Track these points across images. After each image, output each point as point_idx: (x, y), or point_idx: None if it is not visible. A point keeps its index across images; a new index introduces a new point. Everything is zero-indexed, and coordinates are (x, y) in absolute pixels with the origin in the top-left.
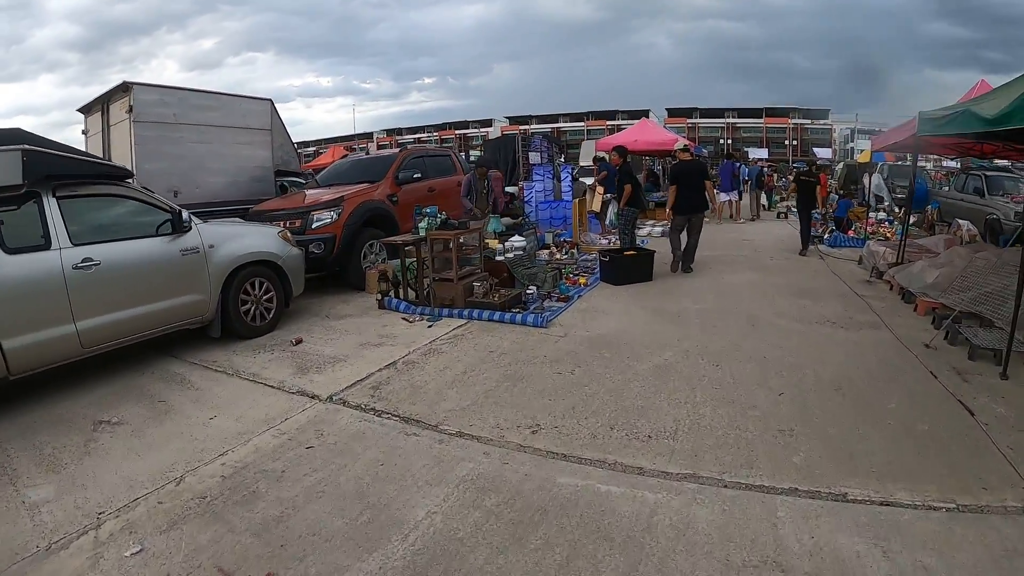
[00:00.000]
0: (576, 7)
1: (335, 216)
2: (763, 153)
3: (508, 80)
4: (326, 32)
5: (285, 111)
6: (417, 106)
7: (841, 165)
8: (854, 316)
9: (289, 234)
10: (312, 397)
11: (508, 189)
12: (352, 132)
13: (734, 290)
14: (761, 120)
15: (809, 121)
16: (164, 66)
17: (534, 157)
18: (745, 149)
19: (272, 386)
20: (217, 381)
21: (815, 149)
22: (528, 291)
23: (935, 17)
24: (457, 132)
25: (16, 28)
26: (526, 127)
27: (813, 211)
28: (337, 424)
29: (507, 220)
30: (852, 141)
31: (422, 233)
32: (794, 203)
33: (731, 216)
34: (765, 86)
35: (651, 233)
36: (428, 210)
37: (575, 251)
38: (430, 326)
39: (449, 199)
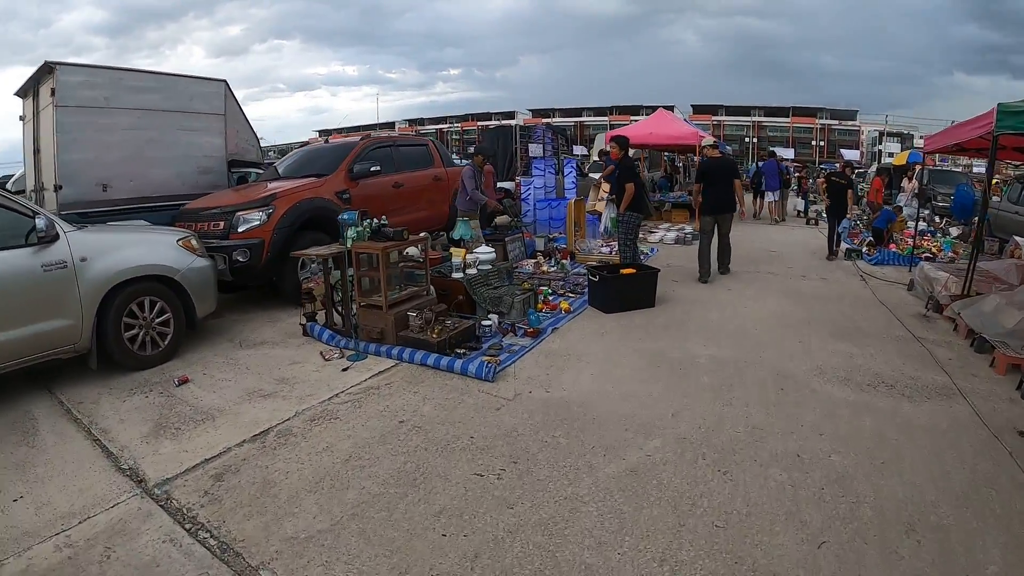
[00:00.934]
0: (605, 1)
1: (264, 218)
2: (789, 153)
3: (534, 73)
4: (353, 21)
5: (310, 99)
6: (442, 97)
7: (874, 168)
8: (917, 375)
9: (195, 241)
10: (138, 482)
11: (503, 185)
12: (375, 121)
13: (758, 325)
14: (788, 119)
15: (836, 122)
16: (191, 52)
17: (535, 149)
18: (771, 149)
19: (109, 454)
20: (63, 435)
21: (842, 151)
22: (484, 323)
23: (967, 19)
24: (479, 123)
25: (44, 11)
26: (548, 120)
27: (844, 217)
28: (132, 545)
29: (503, 219)
30: (880, 143)
31: (348, 244)
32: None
33: (772, 218)
34: (792, 86)
35: (663, 240)
36: (347, 216)
37: (567, 262)
38: (345, 369)
39: (423, 197)
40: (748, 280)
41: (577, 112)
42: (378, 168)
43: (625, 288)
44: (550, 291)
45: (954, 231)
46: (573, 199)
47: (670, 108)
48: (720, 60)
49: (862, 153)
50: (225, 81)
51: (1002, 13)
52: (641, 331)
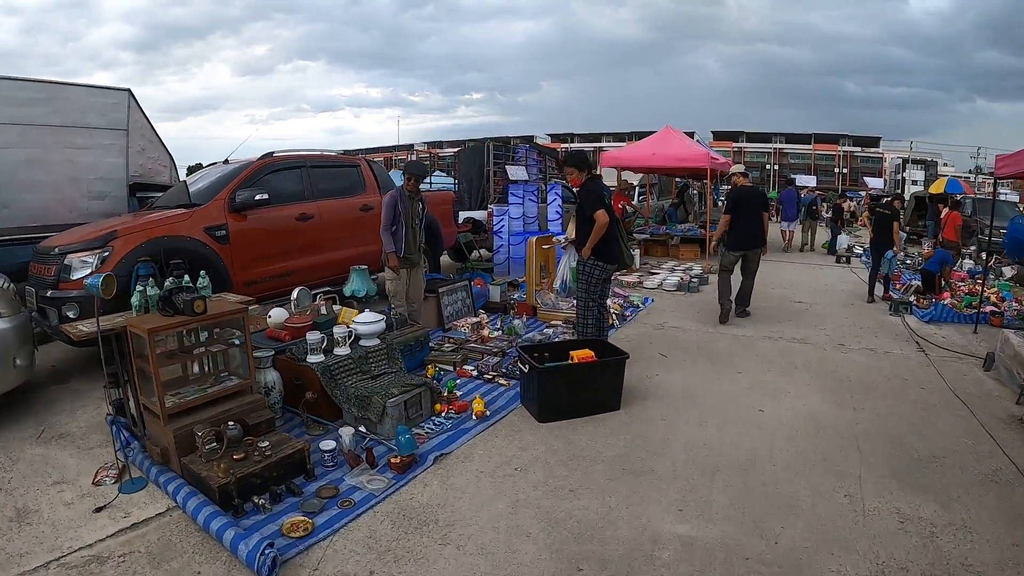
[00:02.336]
0: (627, 27)
1: (98, 262)
2: (811, 181)
3: (556, 97)
4: (377, 43)
5: (334, 120)
6: (465, 120)
7: (909, 196)
8: None
9: None
10: None
11: (473, 215)
12: (396, 143)
13: (777, 452)
14: (809, 146)
15: (859, 149)
16: (216, 70)
17: (514, 172)
18: (791, 176)
19: None
20: None
21: (866, 178)
22: (324, 445)
23: (988, 45)
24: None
25: (74, 25)
26: (567, 145)
27: (887, 252)
28: None
29: (481, 256)
30: (904, 171)
31: (135, 312)
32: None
33: (786, 246)
34: (815, 112)
35: (662, 285)
36: (90, 281)
37: (521, 322)
38: (100, 508)
39: (345, 232)
40: (768, 353)
41: (596, 137)
42: (265, 196)
43: (573, 384)
44: (456, 381)
45: (1007, 271)
46: (535, 237)
47: (690, 134)
48: (741, 86)
49: (885, 181)
50: (128, 90)
51: (1023, 38)
52: (582, 469)
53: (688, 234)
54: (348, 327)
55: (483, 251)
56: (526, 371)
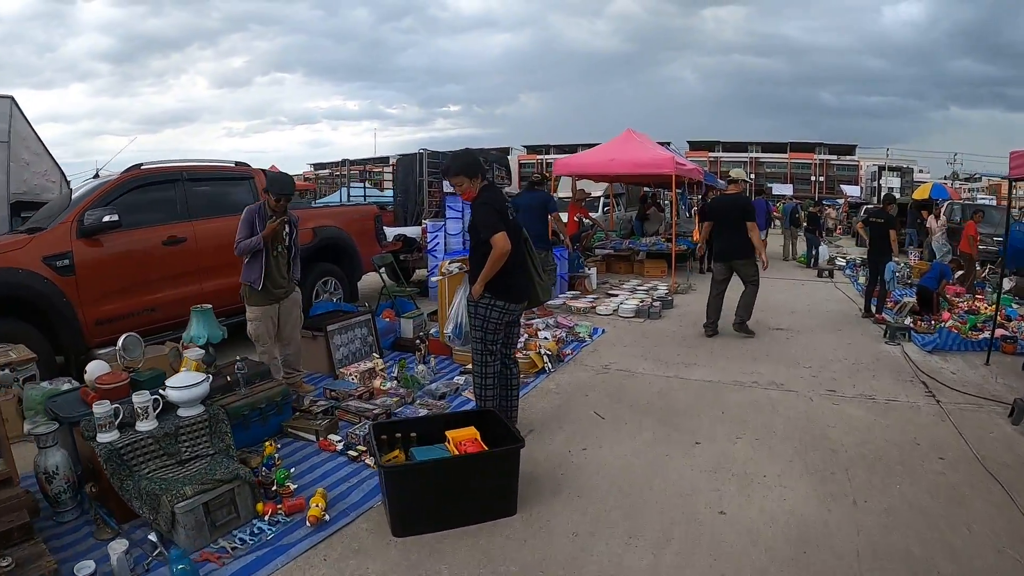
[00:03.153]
0: (604, 39)
1: None
2: (788, 189)
3: (534, 109)
4: (355, 55)
5: (312, 132)
6: (442, 133)
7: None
8: None
9: None
10: None
11: (404, 231)
12: (373, 155)
13: None
14: (785, 155)
15: (835, 157)
16: (194, 82)
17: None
18: (769, 185)
19: None
20: None
21: (843, 186)
22: (81, 567)
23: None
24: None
25: (50, 36)
26: (543, 157)
27: (887, 263)
28: None
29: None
30: (880, 178)
31: None
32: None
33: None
34: (791, 122)
35: (618, 311)
36: None
37: (427, 367)
38: None
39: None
40: (739, 408)
41: (572, 148)
42: (115, 218)
43: (442, 486)
44: (287, 473)
45: (1007, 283)
46: (445, 260)
47: (666, 144)
48: (717, 97)
49: (861, 188)
50: (11, 98)
51: (996, 46)
52: None
53: (654, 248)
54: (156, 393)
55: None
56: (387, 470)
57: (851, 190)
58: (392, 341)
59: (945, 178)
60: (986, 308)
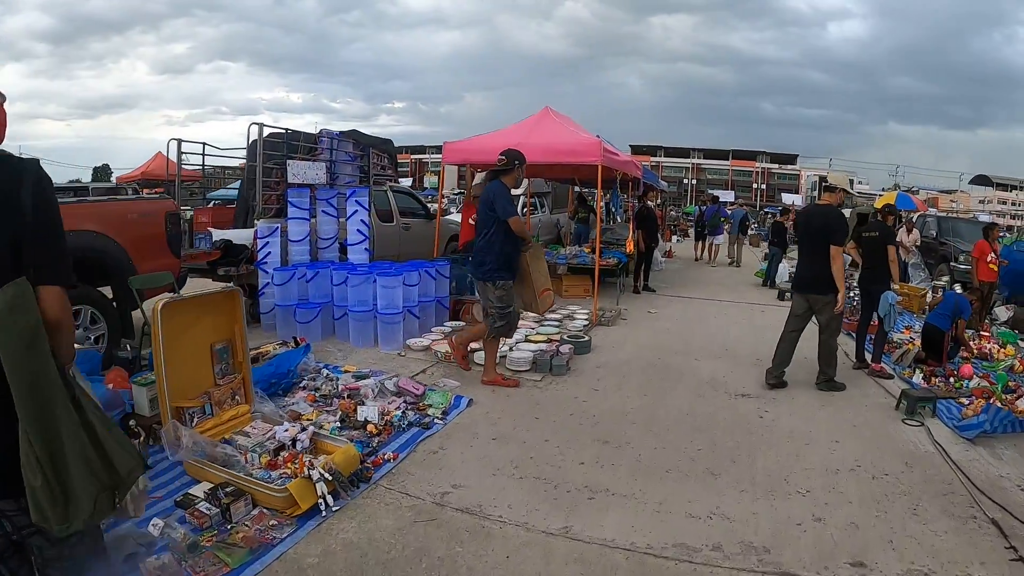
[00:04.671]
0: (551, 42)
1: None
2: (729, 196)
3: (479, 109)
4: (301, 47)
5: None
6: (385, 129)
7: (849, 213)
8: None
9: None
10: None
11: (229, 234)
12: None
13: None
14: (727, 162)
15: (776, 166)
16: (134, 67)
17: (300, 171)
18: (714, 194)
19: None
20: None
21: (784, 195)
22: None
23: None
24: (413, 157)
25: None
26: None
27: (884, 292)
28: None
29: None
30: (817, 189)
31: None
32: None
33: (711, 262)
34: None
35: (509, 356)
36: None
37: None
38: None
39: None
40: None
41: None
42: None
43: None
44: None
45: (1002, 312)
46: (161, 301)
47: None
48: (662, 104)
49: (805, 198)
50: None
51: (936, 66)
52: None
53: (575, 263)
54: None
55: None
56: None
57: (791, 198)
58: (119, 417)
59: (883, 190)
60: (1000, 351)
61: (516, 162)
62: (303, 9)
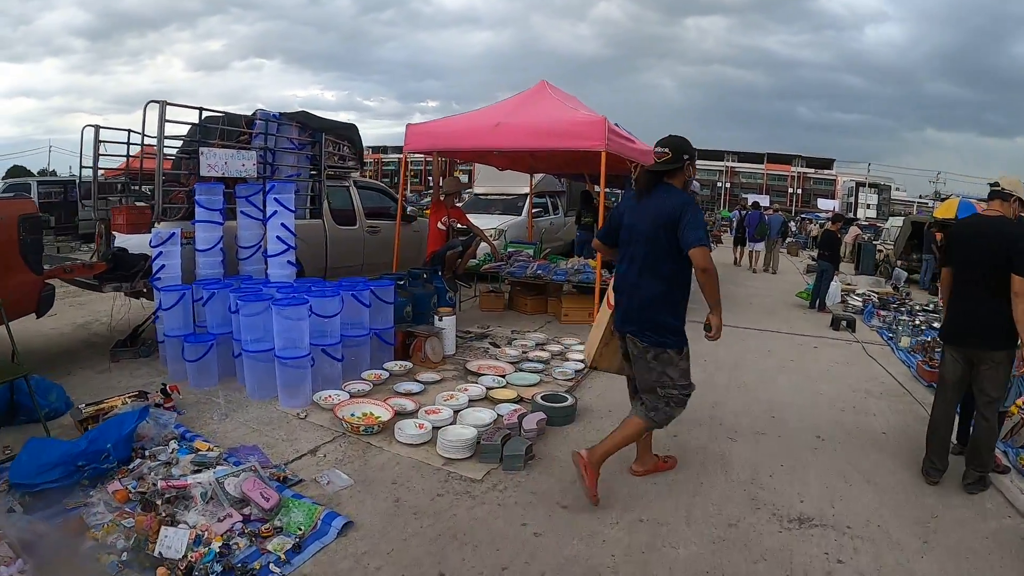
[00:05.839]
0: (585, 43)
1: None
2: (764, 200)
3: None
4: (335, 46)
5: None
6: None
7: (902, 221)
8: None
9: None
10: None
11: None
12: None
13: None
14: (762, 166)
15: (812, 170)
16: (170, 63)
17: (215, 160)
18: (755, 200)
19: None
20: None
21: (819, 200)
22: None
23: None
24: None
25: (25, 8)
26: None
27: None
28: None
29: None
30: (857, 194)
31: None
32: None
33: (753, 267)
34: (767, 134)
35: (441, 439)
36: None
37: None
38: None
39: None
40: None
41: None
42: None
43: None
44: None
45: None
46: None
47: None
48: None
49: (841, 203)
50: None
51: (975, 72)
52: None
53: (577, 279)
54: None
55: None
56: None
57: (828, 204)
58: None
59: (920, 197)
60: None
61: (685, 156)
62: (337, 8)
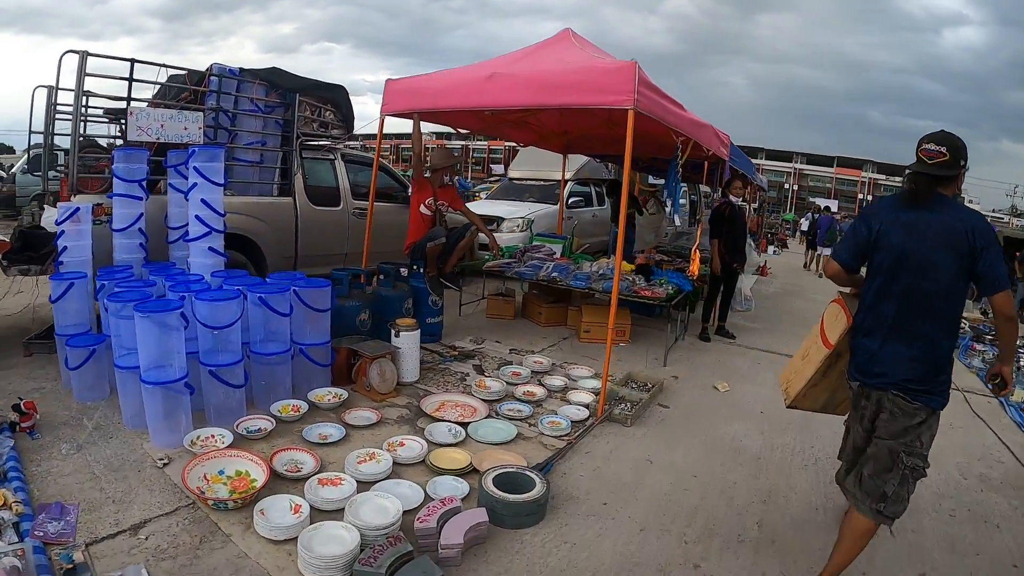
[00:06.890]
0: (655, 37)
1: None
2: (832, 204)
3: None
4: (404, 32)
5: (356, 104)
6: None
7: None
8: None
9: None
10: None
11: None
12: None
13: None
14: (831, 169)
15: (884, 176)
16: (242, 44)
17: (151, 126)
18: (826, 204)
19: None
20: None
21: None
22: None
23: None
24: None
25: None
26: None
27: None
28: None
29: None
30: None
31: None
32: None
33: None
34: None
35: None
36: None
37: None
38: None
39: None
40: None
41: None
42: None
43: None
44: None
45: None
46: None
47: None
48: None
49: None
50: None
51: None
52: None
53: (600, 287)
54: None
55: None
56: None
57: None
58: None
59: (993, 211)
60: None
61: (963, 162)
62: None
